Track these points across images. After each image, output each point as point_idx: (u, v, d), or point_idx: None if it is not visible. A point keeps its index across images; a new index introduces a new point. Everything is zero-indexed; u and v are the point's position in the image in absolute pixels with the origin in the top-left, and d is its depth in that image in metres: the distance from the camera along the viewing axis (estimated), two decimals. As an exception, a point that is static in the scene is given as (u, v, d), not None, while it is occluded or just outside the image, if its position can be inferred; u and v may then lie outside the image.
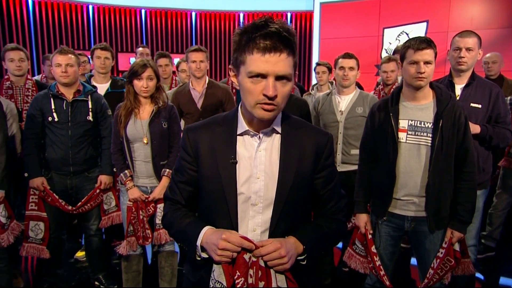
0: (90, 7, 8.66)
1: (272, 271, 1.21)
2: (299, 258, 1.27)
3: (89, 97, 3.07)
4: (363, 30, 7.75)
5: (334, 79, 3.74)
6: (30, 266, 3.85)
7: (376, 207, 2.38)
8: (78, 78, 3.11)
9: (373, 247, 2.38)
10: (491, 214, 3.83)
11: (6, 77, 3.71)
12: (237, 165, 1.30)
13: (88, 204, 3.08)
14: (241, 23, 9.16)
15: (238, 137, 1.32)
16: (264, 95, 1.17)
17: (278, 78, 1.17)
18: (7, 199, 2.80)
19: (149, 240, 2.84)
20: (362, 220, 2.42)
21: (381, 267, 2.36)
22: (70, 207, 3.05)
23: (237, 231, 1.29)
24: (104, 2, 8.62)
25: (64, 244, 3.35)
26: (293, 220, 1.33)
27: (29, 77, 3.78)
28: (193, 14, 9.16)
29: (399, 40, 7.58)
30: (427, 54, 2.10)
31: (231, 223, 1.29)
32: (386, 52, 7.64)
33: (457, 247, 2.27)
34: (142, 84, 2.69)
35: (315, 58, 8.10)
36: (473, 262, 2.70)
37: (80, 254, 3.89)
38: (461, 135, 2.17)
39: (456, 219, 2.22)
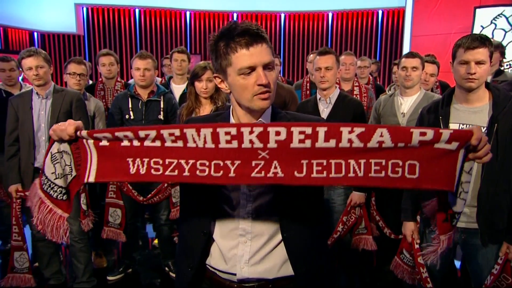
0: (187, 13, 9.30)
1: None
2: None
3: (162, 97, 3.35)
4: (460, 26, 7.12)
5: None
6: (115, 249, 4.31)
7: (424, 216, 2.25)
8: (154, 80, 3.41)
9: (420, 258, 2.25)
10: None
11: (100, 79, 4.20)
12: None
13: (157, 197, 3.34)
14: (329, 23, 9.08)
15: None
16: (259, 84, 1.24)
17: (265, 67, 1.25)
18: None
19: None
20: (409, 228, 2.29)
21: (428, 279, 2.21)
22: (141, 198, 3.34)
23: (232, 216, 1.36)
24: (200, 8, 9.20)
25: (139, 231, 3.69)
26: (288, 210, 1.35)
27: (119, 79, 4.23)
28: (282, 16, 9.33)
29: (496, 24, 6.07)
30: (479, 53, 1.93)
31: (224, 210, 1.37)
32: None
33: (516, 264, 2.05)
34: (202, 86, 2.87)
35: (405, 57, 7.68)
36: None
37: (157, 241, 4.25)
38: None
39: None
